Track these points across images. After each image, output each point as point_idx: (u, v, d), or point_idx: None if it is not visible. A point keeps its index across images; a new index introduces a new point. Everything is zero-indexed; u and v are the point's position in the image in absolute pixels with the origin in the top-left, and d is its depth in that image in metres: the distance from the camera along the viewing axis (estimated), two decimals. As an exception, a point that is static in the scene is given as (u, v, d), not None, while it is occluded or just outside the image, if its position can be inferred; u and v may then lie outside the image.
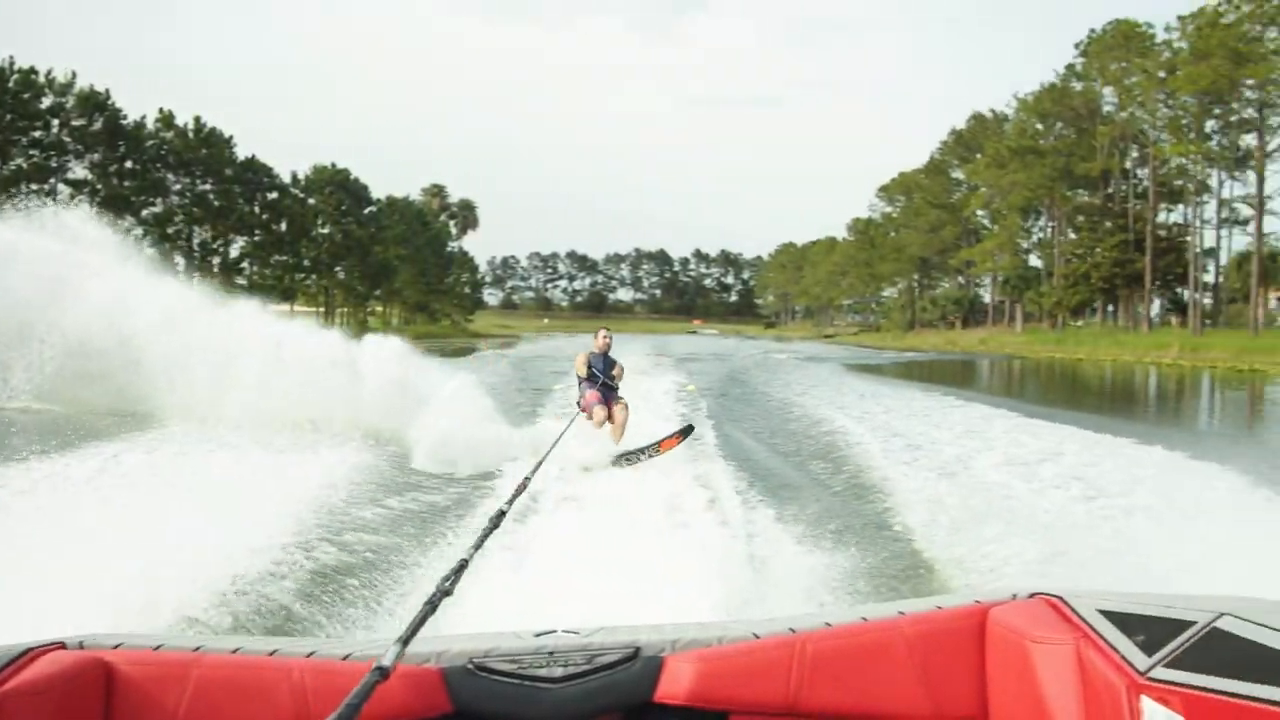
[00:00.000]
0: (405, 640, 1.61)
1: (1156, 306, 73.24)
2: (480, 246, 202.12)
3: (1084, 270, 69.56)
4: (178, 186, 65.80)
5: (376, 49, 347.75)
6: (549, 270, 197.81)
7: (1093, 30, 70.64)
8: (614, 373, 12.51)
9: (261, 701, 1.97)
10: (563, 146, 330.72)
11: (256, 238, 71.62)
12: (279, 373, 14.11)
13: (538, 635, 2.16)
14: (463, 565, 1.98)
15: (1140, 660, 1.84)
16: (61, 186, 59.13)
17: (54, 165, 59.46)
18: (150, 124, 64.09)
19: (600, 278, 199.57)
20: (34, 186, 56.10)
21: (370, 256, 78.42)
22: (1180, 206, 70.30)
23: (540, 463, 4.65)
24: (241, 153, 69.53)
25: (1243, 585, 2.34)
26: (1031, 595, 2.29)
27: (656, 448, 11.45)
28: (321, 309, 76.37)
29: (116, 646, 2.05)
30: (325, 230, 76.78)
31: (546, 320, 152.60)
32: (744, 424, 16.04)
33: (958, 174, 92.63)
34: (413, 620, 1.73)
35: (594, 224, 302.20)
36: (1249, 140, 60.85)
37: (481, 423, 12.80)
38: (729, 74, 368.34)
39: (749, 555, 6.36)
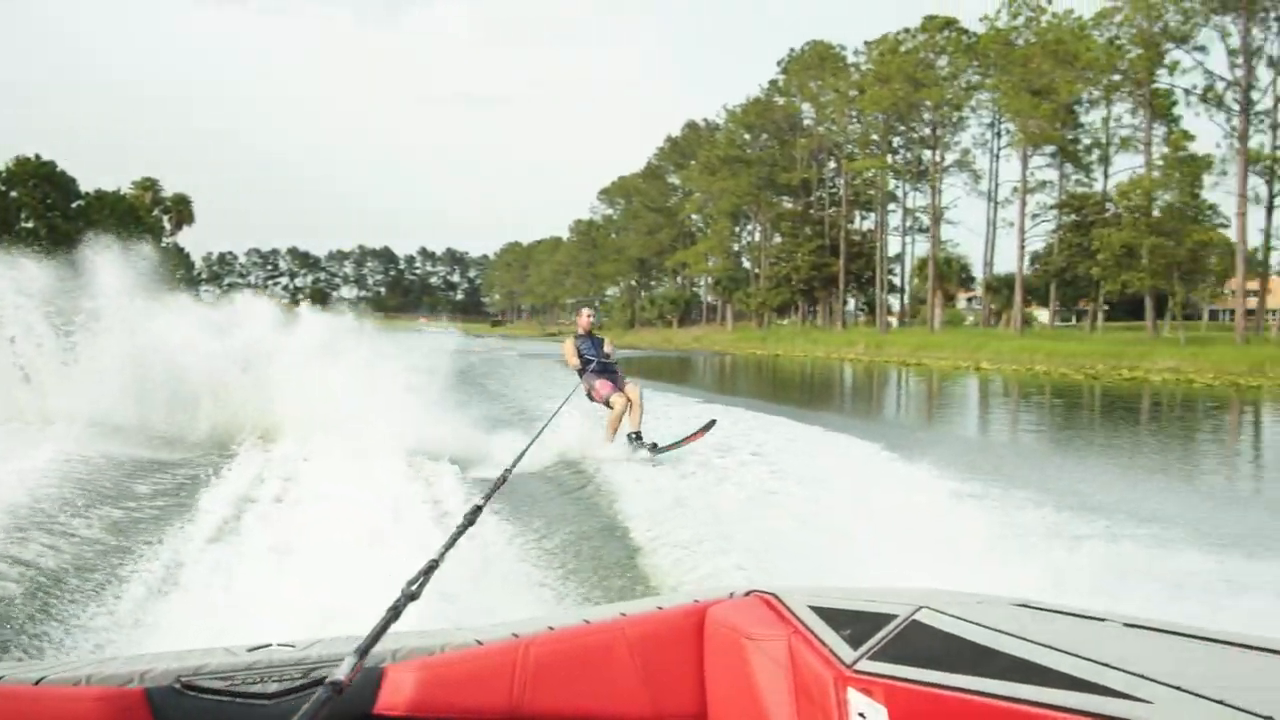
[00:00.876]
0: (363, 651, 1.45)
1: (852, 306, 79.73)
2: (198, 243, 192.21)
3: (786, 273, 74.64)
4: None
5: (77, 31, 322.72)
6: (269, 267, 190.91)
7: (792, 49, 76.05)
8: (607, 351, 11.89)
9: None
10: (287, 141, 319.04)
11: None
12: None
13: (251, 650, 2.07)
14: (432, 566, 1.83)
15: (846, 653, 1.90)
16: None
17: None
18: None
19: (323, 275, 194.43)
20: None
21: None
22: (871, 214, 76.80)
23: (524, 451, 4.35)
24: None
25: (940, 576, 2.60)
26: (748, 593, 2.36)
27: (684, 442, 11.12)
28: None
29: None
30: (30, 225, 71.95)
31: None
32: (473, 418, 14.88)
33: (674, 179, 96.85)
34: (372, 629, 1.56)
35: (318, 221, 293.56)
36: (929, 155, 67.49)
37: None
38: (456, 70, 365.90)
39: (473, 560, 6.10)
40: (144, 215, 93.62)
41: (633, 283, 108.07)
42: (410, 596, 1.71)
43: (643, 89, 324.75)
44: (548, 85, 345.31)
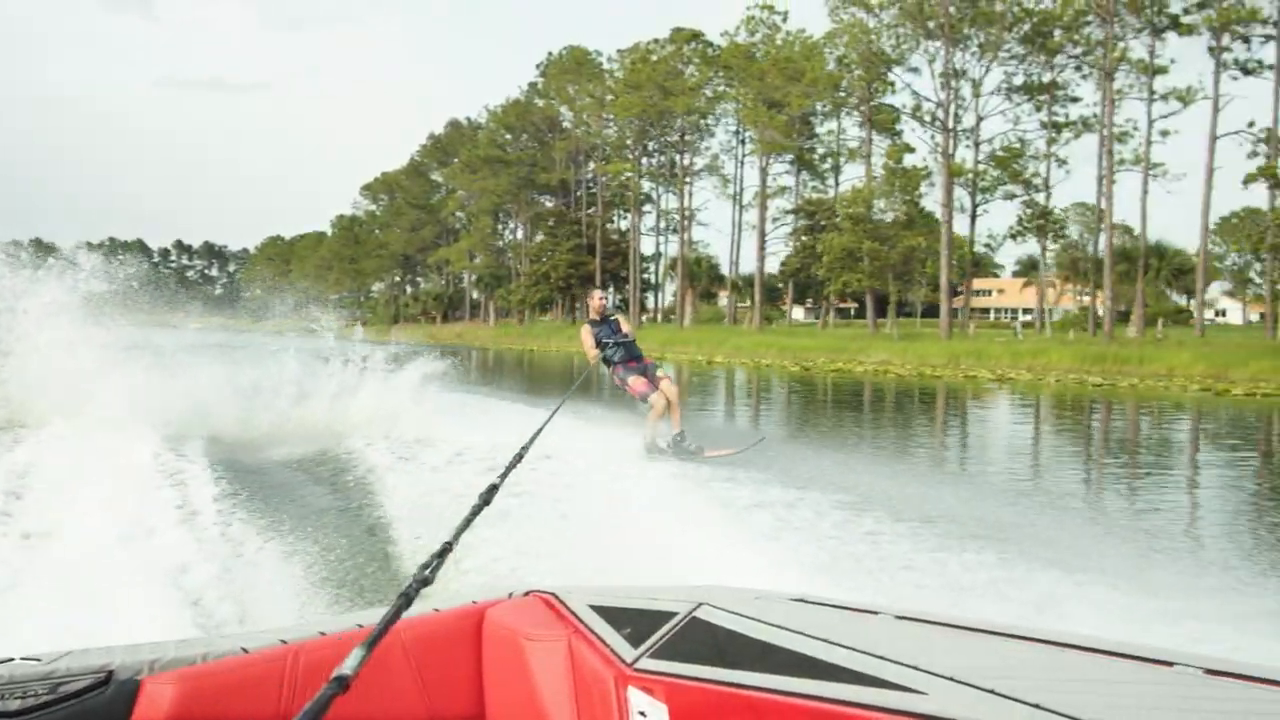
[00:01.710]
0: (373, 643, 1.27)
1: (610, 303, 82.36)
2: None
3: (545, 270, 76.49)
4: None
5: None
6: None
7: (550, 53, 78.06)
8: (626, 331, 11.15)
9: None
10: (18, 127, 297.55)
11: None
12: None
13: None
14: (446, 550, 1.72)
15: (627, 652, 1.91)
16: None
17: None
18: None
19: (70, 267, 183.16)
20: None
21: None
22: (629, 215, 79.68)
23: (538, 432, 3.78)
24: None
25: (718, 574, 2.58)
26: (527, 594, 2.37)
27: (733, 452, 10.70)
28: None
29: None
30: None
31: None
32: (229, 420, 13.75)
33: (437, 176, 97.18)
34: (383, 619, 1.38)
35: (64, 211, 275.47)
36: (680, 159, 70.77)
37: None
38: (212, 54, 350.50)
39: (234, 565, 5.89)
40: None
41: (397, 279, 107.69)
42: (424, 581, 1.54)
43: (407, 84, 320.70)
44: (312, 73, 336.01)
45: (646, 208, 76.08)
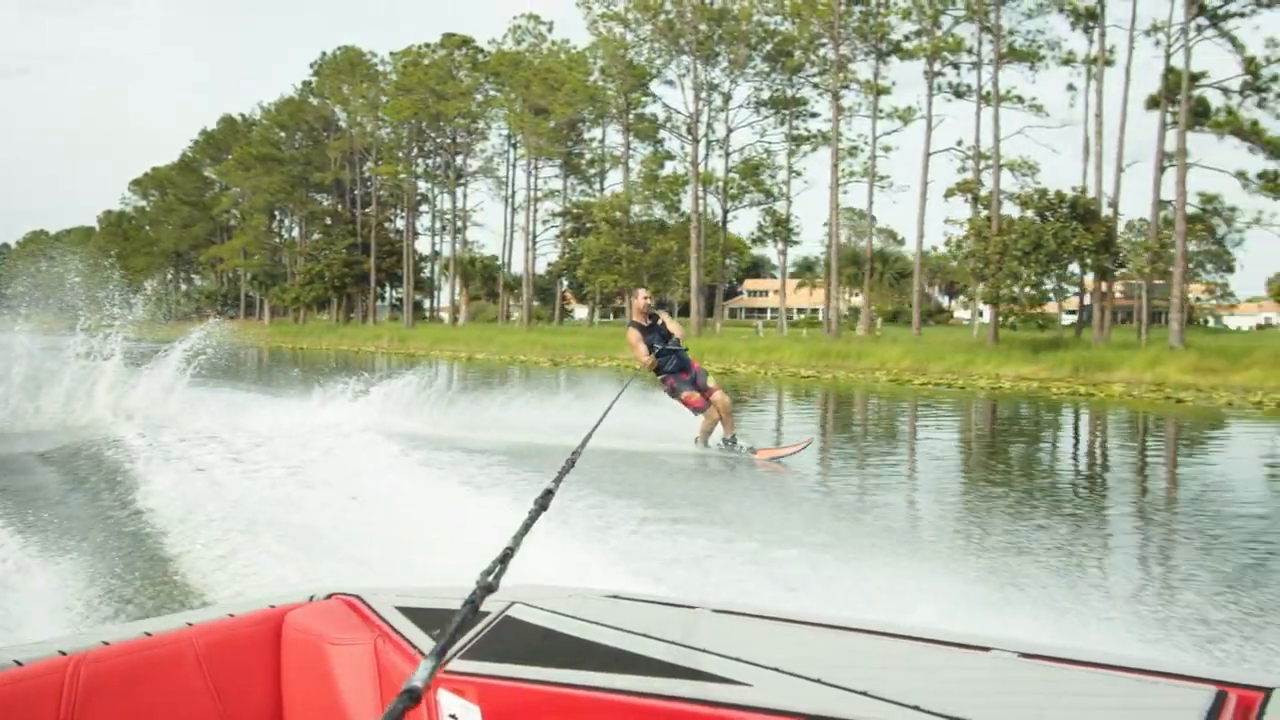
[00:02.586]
0: (441, 652, 1.18)
1: (386, 302, 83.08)
2: None
3: (319, 269, 76.51)
4: None
5: None
6: None
7: (324, 52, 77.97)
8: (671, 330, 10.84)
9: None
10: None
11: None
12: None
13: None
14: (507, 555, 1.51)
15: None
16: None
17: None
18: None
19: None
20: None
21: None
22: (406, 215, 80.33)
23: (589, 435, 3.46)
24: None
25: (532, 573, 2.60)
26: (329, 596, 2.30)
27: (783, 453, 10.88)
28: None
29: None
30: None
31: None
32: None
33: (210, 173, 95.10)
34: (451, 626, 1.26)
35: None
36: (456, 161, 72.18)
37: None
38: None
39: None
40: None
41: (169, 276, 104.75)
42: (487, 589, 1.41)
43: (181, 78, 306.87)
44: (75, 61, 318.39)
45: (424, 208, 77.16)
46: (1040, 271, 37.83)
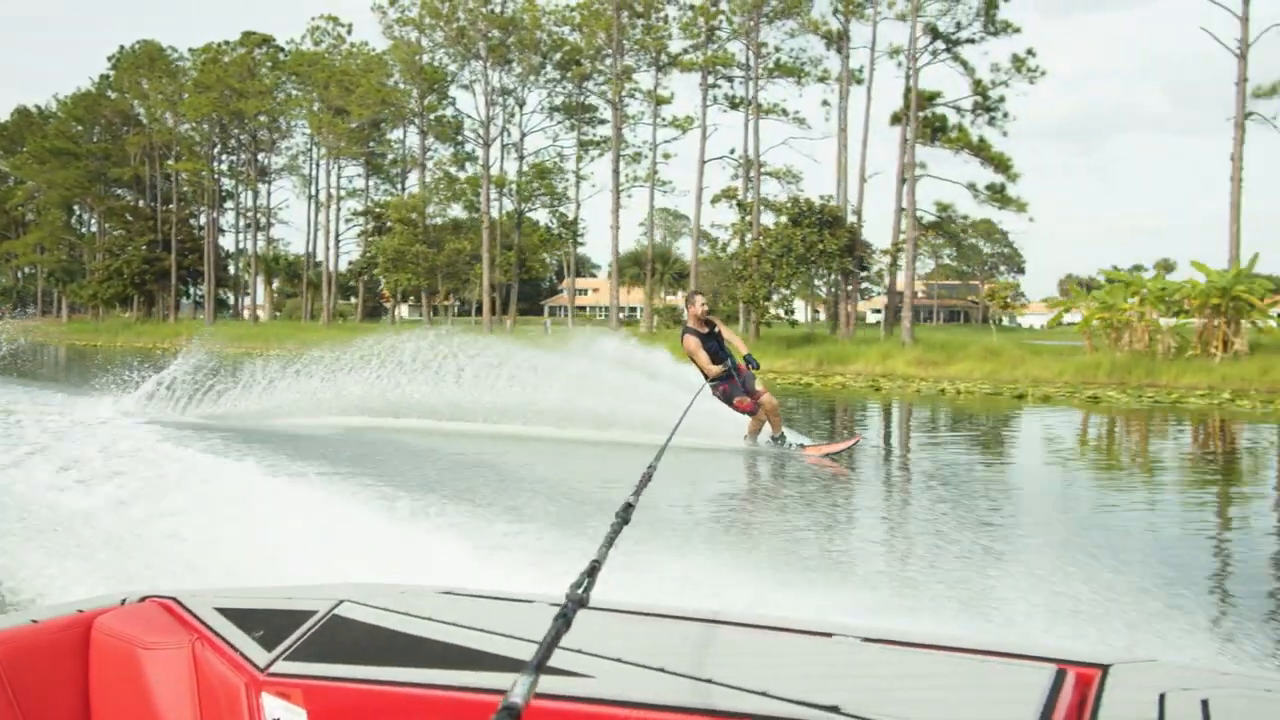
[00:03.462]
0: (538, 666, 1.12)
1: (191, 299, 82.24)
2: None
3: (118, 266, 75.40)
4: None
5: None
6: None
7: (123, 46, 76.87)
8: (728, 338, 10.82)
9: None
10: None
11: None
12: None
13: None
14: (595, 568, 1.46)
15: (260, 656, 1.82)
16: None
17: None
18: None
19: None
20: None
21: None
22: (208, 212, 79.69)
23: (665, 446, 3.35)
24: None
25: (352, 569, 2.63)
26: (143, 599, 2.20)
27: (831, 450, 10.95)
28: None
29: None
30: None
31: None
32: None
33: (3, 165, 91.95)
34: (544, 640, 1.21)
35: None
36: (260, 159, 72.42)
37: None
38: None
39: None
40: None
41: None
42: (579, 603, 1.36)
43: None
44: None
45: (229, 205, 76.86)
46: (789, 274, 41.32)
